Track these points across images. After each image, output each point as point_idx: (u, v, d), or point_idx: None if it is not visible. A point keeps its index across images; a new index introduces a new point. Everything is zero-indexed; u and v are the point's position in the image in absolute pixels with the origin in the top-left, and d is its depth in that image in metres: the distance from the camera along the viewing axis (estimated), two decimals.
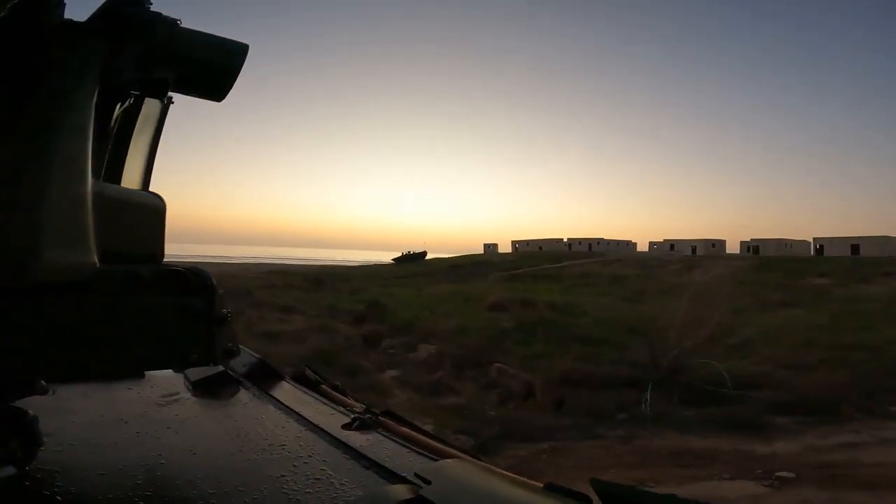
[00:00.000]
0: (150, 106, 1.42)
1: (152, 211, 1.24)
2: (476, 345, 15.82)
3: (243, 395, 1.48)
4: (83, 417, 1.27)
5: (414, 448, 1.09)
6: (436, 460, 1.01)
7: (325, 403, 1.38)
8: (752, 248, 69.86)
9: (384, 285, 43.04)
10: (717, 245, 75.18)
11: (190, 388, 1.51)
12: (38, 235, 0.86)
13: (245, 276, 50.30)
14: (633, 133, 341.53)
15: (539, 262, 64.03)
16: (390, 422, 1.22)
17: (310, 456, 1.09)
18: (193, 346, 1.10)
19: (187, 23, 1.12)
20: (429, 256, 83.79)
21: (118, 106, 1.22)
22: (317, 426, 1.22)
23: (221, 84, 1.18)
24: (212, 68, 1.17)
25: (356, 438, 1.14)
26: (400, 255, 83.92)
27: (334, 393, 1.48)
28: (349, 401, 1.42)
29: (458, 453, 1.08)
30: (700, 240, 76.65)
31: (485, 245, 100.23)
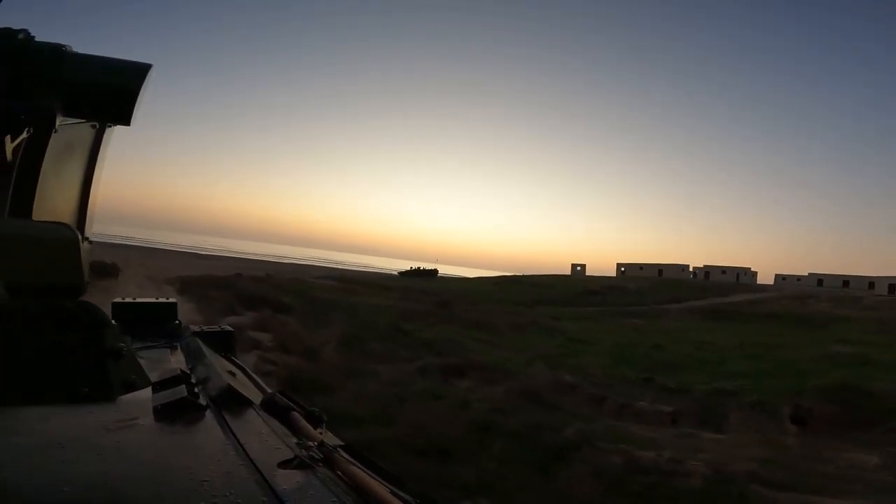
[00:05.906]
0: (74, 133, 1.29)
1: (60, 243, 1.19)
2: None
3: (200, 423, 1.32)
4: (21, 440, 1.13)
5: (352, 494, 1.03)
6: None
7: (279, 435, 1.26)
8: None
9: (555, 318, 29.59)
10: None
11: (151, 414, 1.34)
12: None
13: (321, 287, 37.84)
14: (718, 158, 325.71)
15: (684, 293, 49.67)
16: (344, 459, 1.11)
17: (227, 495, 1.00)
18: (81, 381, 1.08)
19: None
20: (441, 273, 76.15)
21: (8, 138, 1.14)
22: (252, 462, 1.12)
23: (121, 106, 1.13)
24: (106, 91, 1.11)
25: (288, 478, 1.06)
26: (408, 269, 76.04)
27: (303, 422, 1.34)
28: (313, 432, 1.29)
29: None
30: (883, 277, 60.09)
31: (573, 265, 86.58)
